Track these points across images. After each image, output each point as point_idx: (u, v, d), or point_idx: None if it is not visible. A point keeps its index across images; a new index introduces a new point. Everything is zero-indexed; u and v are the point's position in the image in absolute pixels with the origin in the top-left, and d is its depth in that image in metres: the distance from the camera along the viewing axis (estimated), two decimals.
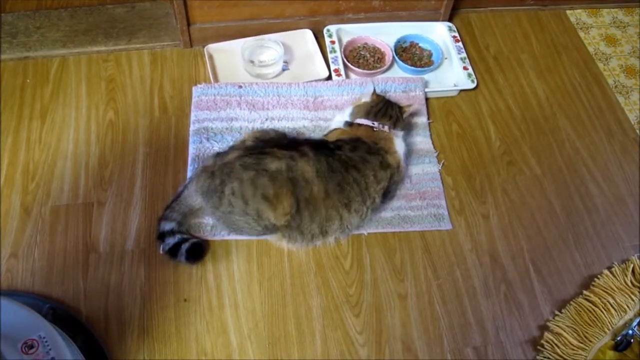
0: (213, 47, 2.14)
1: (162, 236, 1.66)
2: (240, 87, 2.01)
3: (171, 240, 1.65)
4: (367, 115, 1.81)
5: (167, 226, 1.66)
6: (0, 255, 1.67)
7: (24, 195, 1.78)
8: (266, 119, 1.96)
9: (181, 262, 1.67)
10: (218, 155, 1.70)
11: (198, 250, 1.68)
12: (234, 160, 1.62)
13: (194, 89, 2.02)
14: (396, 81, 2.08)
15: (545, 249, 1.81)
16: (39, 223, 1.74)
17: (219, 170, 1.62)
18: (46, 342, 1.26)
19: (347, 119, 1.84)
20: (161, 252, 1.67)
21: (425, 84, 2.11)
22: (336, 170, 1.66)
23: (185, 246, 1.65)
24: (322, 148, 1.70)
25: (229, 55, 2.14)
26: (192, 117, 1.95)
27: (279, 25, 2.20)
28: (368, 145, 1.75)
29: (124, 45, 2.18)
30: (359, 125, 1.80)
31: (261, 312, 1.62)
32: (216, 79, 2.07)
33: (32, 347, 1.25)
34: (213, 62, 2.12)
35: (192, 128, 1.93)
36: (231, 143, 1.84)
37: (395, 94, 2.05)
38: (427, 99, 2.10)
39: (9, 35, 2.17)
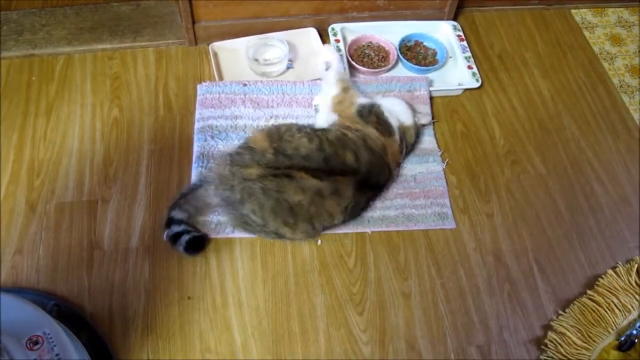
0: (218, 45, 2.14)
1: (169, 222, 1.67)
2: (245, 85, 2.01)
3: (176, 228, 1.66)
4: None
5: (178, 215, 1.67)
6: (0, 252, 1.68)
7: (29, 192, 1.79)
8: (270, 117, 1.96)
9: (179, 252, 1.67)
10: (233, 161, 1.64)
11: (198, 244, 1.68)
12: (255, 180, 1.59)
13: (198, 87, 2.02)
14: (401, 80, 2.08)
15: (550, 248, 1.81)
16: (44, 220, 1.74)
17: (239, 186, 1.60)
18: (51, 338, 1.26)
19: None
20: (165, 238, 1.68)
21: (430, 83, 2.11)
22: (365, 206, 1.79)
23: (185, 237, 1.65)
24: (366, 187, 1.74)
25: (234, 53, 2.14)
26: (197, 115, 1.96)
27: (284, 23, 2.20)
28: (390, 170, 1.81)
29: (129, 43, 2.18)
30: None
31: (265, 310, 1.63)
32: (221, 77, 2.07)
33: (36, 343, 1.25)
34: (218, 60, 2.12)
35: (196, 126, 1.93)
36: (244, 139, 1.77)
37: (400, 94, 2.05)
38: (431, 98, 2.09)
39: (15, 33, 2.17)
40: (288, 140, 1.66)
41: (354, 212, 1.74)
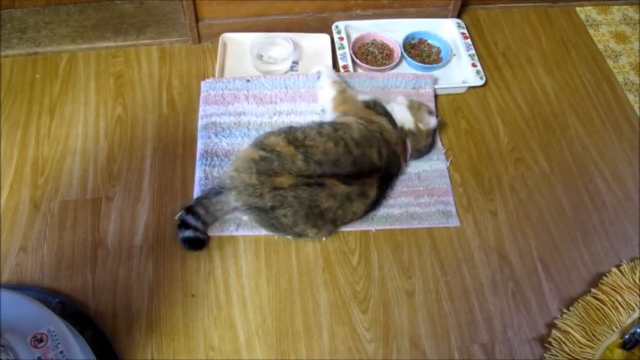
0: (229, 36, 2.15)
1: (189, 211, 1.66)
2: (248, 81, 2.00)
3: (190, 220, 1.66)
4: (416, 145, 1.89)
5: (202, 212, 1.66)
6: (0, 250, 1.68)
7: (33, 189, 1.79)
8: (274, 114, 1.96)
9: (178, 237, 1.68)
10: (260, 169, 1.62)
11: (195, 245, 1.69)
12: (287, 189, 1.60)
13: (202, 83, 2.02)
14: (406, 77, 2.08)
15: (554, 246, 1.80)
16: (48, 218, 1.74)
17: (270, 194, 1.61)
18: (55, 336, 1.27)
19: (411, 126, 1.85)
20: (176, 218, 1.69)
21: (435, 80, 2.10)
22: (383, 198, 1.81)
23: (190, 233, 1.66)
24: (389, 178, 1.81)
25: (242, 46, 2.14)
26: (200, 112, 1.95)
27: (288, 21, 2.20)
28: (399, 161, 1.85)
29: (132, 41, 2.18)
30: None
31: (269, 308, 1.63)
32: (222, 73, 2.08)
33: (41, 341, 1.25)
34: (225, 51, 2.13)
35: (200, 123, 1.93)
36: (260, 143, 1.71)
37: (405, 91, 2.05)
38: (435, 96, 2.09)
39: (19, 31, 2.18)
40: (312, 145, 1.67)
41: (374, 207, 1.78)
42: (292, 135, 1.70)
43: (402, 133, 1.83)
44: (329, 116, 1.89)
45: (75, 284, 1.63)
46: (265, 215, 1.64)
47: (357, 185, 1.68)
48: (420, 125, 1.85)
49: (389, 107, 1.86)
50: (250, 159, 1.65)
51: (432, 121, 1.86)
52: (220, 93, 1.98)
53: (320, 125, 1.76)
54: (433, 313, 1.65)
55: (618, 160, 2.01)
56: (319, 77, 1.99)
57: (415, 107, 1.87)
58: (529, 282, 1.73)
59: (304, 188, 1.61)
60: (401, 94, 2.00)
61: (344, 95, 1.90)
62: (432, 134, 1.90)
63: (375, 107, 1.84)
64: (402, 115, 1.85)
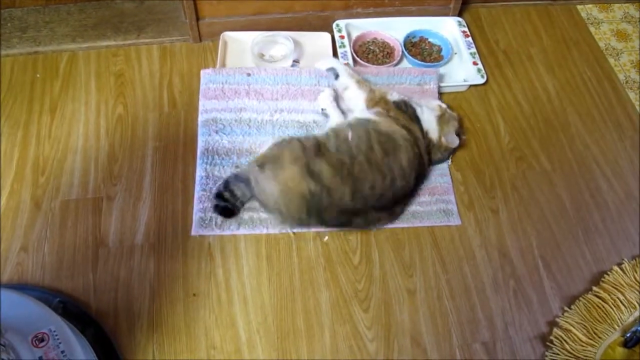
0: (229, 35, 2.15)
1: (226, 186, 1.73)
2: (249, 74, 1.98)
3: (226, 194, 1.72)
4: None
5: (238, 192, 1.72)
6: (1, 250, 1.68)
7: (34, 189, 1.79)
8: (275, 111, 1.94)
9: (213, 203, 1.75)
10: (310, 207, 1.63)
11: (224, 212, 1.74)
12: (330, 218, 1.67)
13: (202, 72, 1.98)
14: (412, 73, 2.06)
15: (555, 244, 1.80)
16: (49, 217, 1.74)
17: (315, 223, 1.70)
18: (56, 335, 1.27)
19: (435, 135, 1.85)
20: (215, 189, 1.75)
21: (440, 77, 2.09)
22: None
23: (224, 204, 1.73)
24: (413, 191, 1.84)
25: (243, 45, 2.13)
26: (200, 107, 1.94)
27: (288, 20, 2.20)
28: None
29: (133, 40, 2.18)
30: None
31: (270, 307, 1.63)
32: (223, 66, 2.07)
33: (42, 340, 1.25)
34: (225, 49, 2.12)
35: (200, 119, 1.91)
36: (306, 156, 1.67)
37: (410, 87, 2.04)
38: (439, 93, 2.08)
39: (19, 30, 2.18)
40: (359, 177, 1.65)
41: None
42: (337, 158, 1.67)
43: (427, 141, 1.83)
44: (336, 119, 1.87)
45: (76, 283, 1.63)
46: (298, 219, 1.70)
47: (389, 211, 1.75)
48: (443, 140, 1.85)
49: (418, 111, 1.85)
50: (301, 195, 1.62)
51: (455, 142, 1.86)
52: (220, 87, 1.96)
53: (370, 144, 1.71)
54: (434, 311, 1.65)
55: (619, 158, 2.01)
56: (336, 78, 1.95)
57: (444, 120, 1.87)
58: (530, 280, 1.72)
59: (343, 216, 1.68)
60: (406, 90, 1.99)
61: (374, 94, 1.88)
62: (449, 150, 1.90)
63: (407, 109, 1.84)
64: (429, 124, 1.85)
